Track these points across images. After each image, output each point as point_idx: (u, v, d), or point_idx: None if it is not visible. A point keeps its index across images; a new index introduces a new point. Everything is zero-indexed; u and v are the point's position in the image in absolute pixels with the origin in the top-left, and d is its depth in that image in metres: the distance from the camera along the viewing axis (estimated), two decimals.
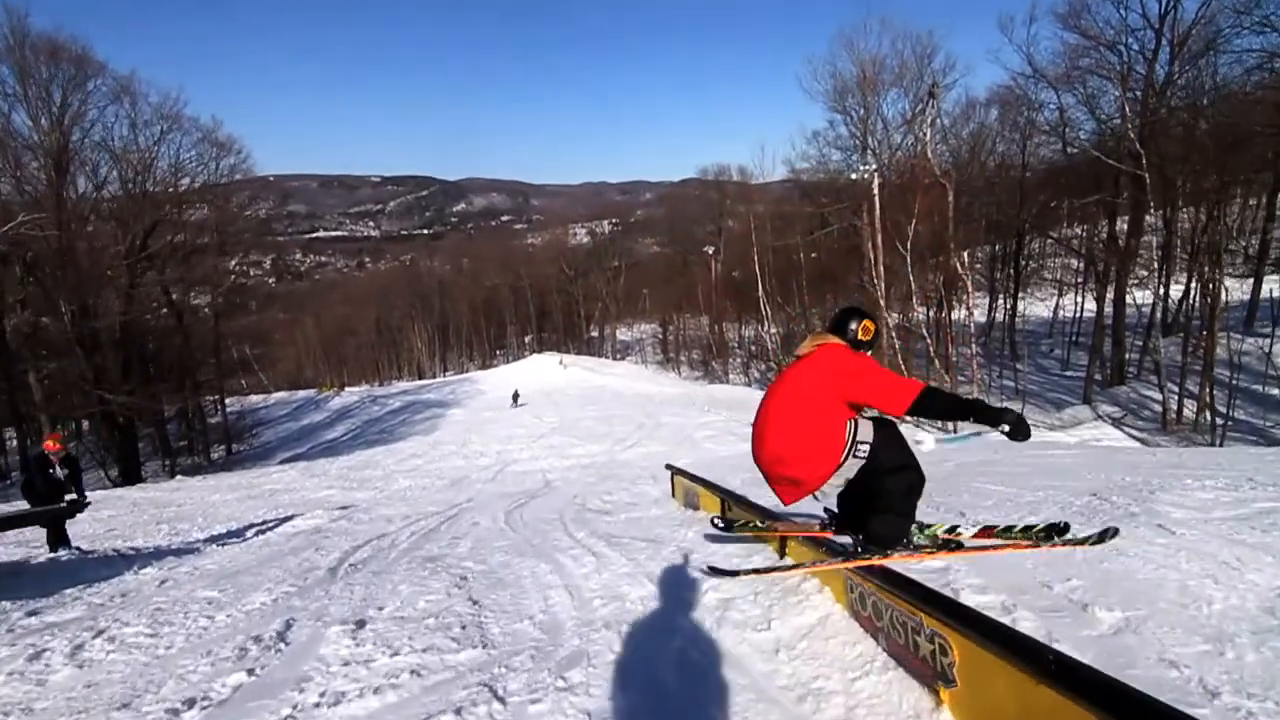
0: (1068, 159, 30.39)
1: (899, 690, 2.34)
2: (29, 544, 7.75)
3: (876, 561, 2.91)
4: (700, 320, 53.71)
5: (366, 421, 38.23)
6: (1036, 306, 35.64)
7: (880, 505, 3.02)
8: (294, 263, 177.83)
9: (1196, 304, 25.17)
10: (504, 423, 28.80)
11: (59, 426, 24.72)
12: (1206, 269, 23.07)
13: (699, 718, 2.40)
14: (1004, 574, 3.53)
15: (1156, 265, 24.89)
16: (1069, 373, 29.01)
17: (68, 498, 7.43)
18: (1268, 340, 22.15)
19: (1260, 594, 2.80)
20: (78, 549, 7.33)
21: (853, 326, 3.11)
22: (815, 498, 3.07)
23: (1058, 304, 35.51)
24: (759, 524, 4.14)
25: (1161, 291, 24.69)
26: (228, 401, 37.78)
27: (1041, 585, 3.32)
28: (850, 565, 2.90)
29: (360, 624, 3.62)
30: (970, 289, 27.76)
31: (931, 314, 31.09)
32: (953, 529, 3.50)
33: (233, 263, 36.17)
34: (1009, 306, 34.76)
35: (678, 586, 3.75)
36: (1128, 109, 23.77)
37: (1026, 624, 2.90)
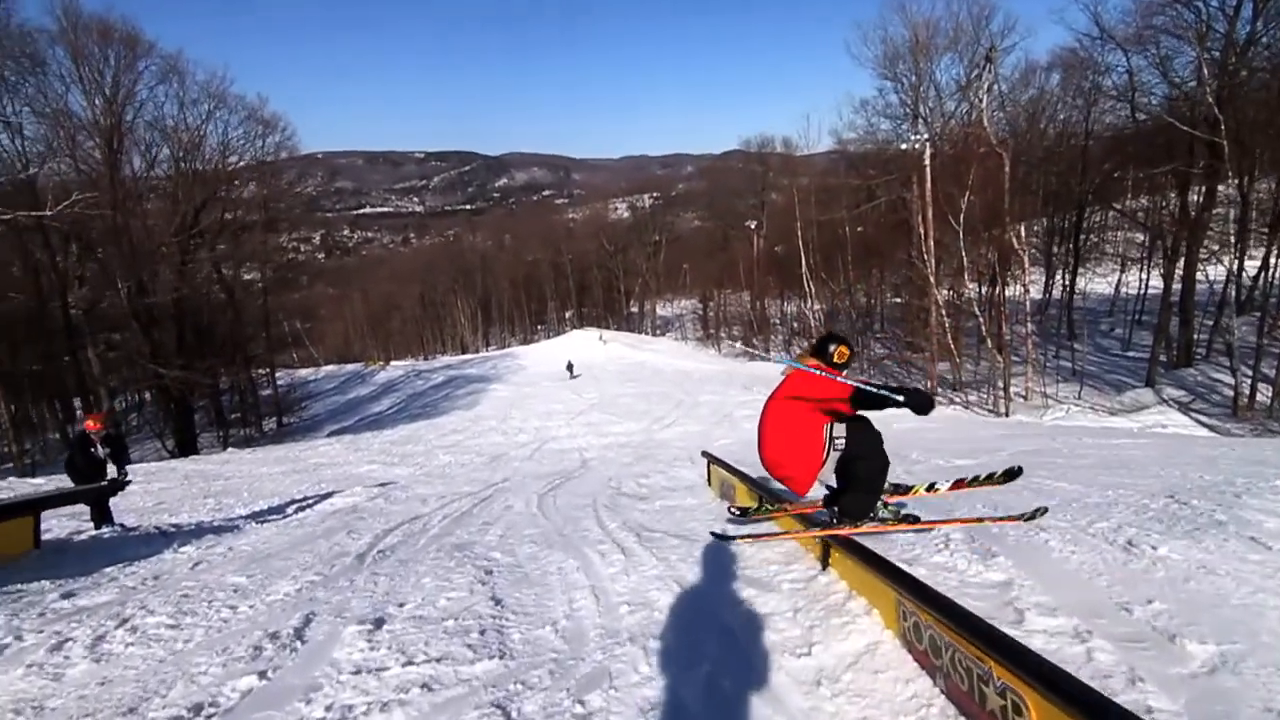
0: (1136, 126, 28.47)
1: None
2: (80, 517, 7.93)
3: (846, 531, 3.61)
4: (741, 296, 52.80)
5: (410, 396, 38.84)
6: (1097, 283, 33.83)
7: (851, 486, 3.72)
8: (342, 238, 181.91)
9: (1275, 280, 23.48)
10: (544, 399, 28.88)
11: (117, 400, 25.75)
12: None
13: None
14: (1075, 591, 3.19)
15: (1233, 239, 23.26)
16: (1130, 353, 27.53)
17: (110, 475, 7.57)
18: None
19: None
20: (121, 525, 7.47)
21: (831, 349, 3.77)
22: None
23: (1119, 280, 33.66)
24: (769, 506, 4.70)
25: (1236, 267, 23.11)
26: (278, 375, 38.70)
27: (1119, 608, 2.98)
28: (826, 533, 3.62)
29: (378, 623, 3.49)
30: (1026, 264, 26.45)
31: (984, 291, 29.85)
32: (931, 486, 4.22)
33: (284, 239, 36.86)
34: (1067, 283, 33.11)
35: (709, 596, 3.51)
36: (1205, 70, 21.98)
37: (1105, 656, 2.57)
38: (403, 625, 3.46)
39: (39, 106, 23.01)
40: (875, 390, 3.36)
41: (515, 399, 30.06)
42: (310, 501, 9.53)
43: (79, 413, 27.01)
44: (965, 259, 26.23)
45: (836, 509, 3.81)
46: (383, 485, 11.06)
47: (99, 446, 7.48)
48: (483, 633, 3.27)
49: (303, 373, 52.17)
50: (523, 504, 7.79)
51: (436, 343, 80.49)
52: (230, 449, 24.61)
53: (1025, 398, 23.92)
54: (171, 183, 27.77)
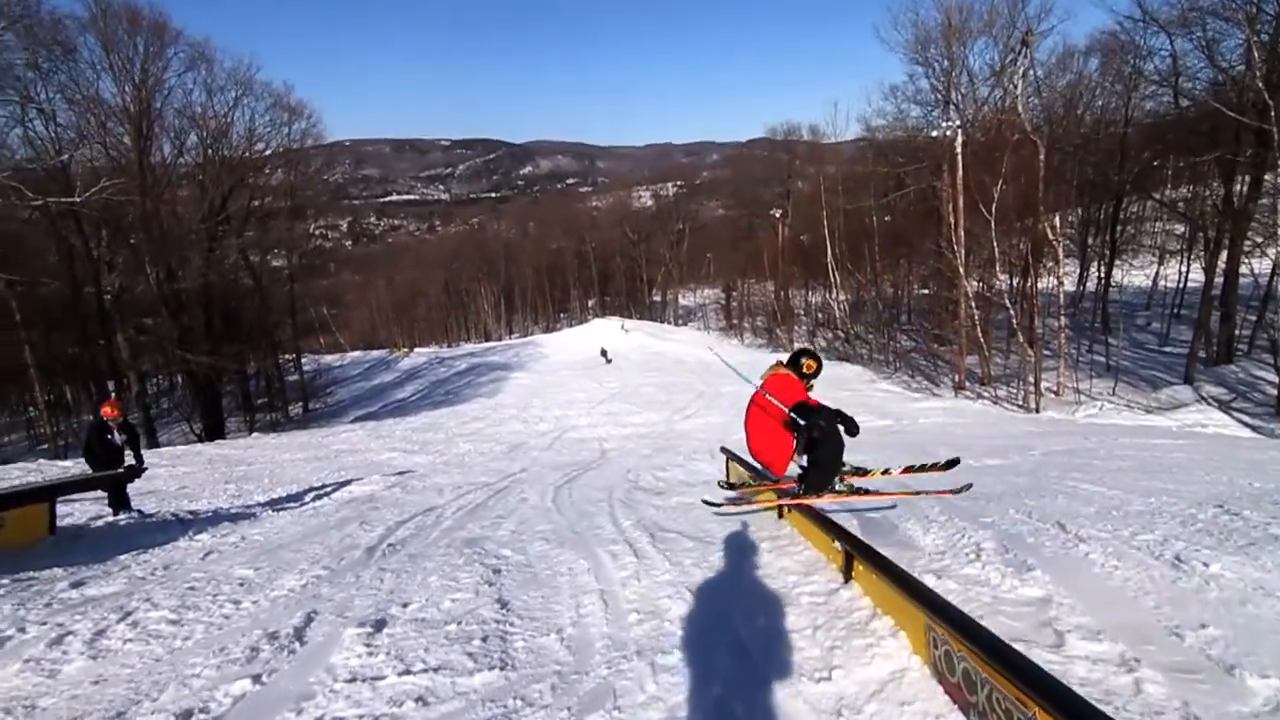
0: (1178, 112, 27.33)
1: None
2: (102, 501, 7.96)
3: (808, 500, 4.49)
4: (765, 286, 52.09)
5: (434, 383, 39.04)
6: (1133, 275, 32.71)
7: (813, 464, 4.60)
8: (369, 225, 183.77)
9: None
10: (565, 387, 28.81)
11: (148, 384, 26.14)
12: None
13: None
14: (1119, 612, 2.95)
15: (1279, 231, 22.25)
16: (1168, 349, 26.58)
17: (128, 461, 7.59)
18: None
19: None
20: (138, 511, 7.49)
21: (802, 362, 4.71)
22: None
23: (1158, 273, 32.47)
24: (750, 481, 5.68)
25: None
26: (304, 360, 39.12)
27: (1169, 632, 2.74)
28: (792, 502, 4.53)
29: (379, 625, 3.37)
30: (1060, 255, 25.60)
31: (1015, 282, 29.03)
32: (885, 470, 5.25)
33: (311, 226, 37.07)
34: (1102, 275, 32.05)
35: (723, 607, 3.33)
36: (1254, 54, 20.96)
37: (1155, 689, 2.35)
38: (404, 628, 3.34)
39: (70, 93, 23.33)
40: (801, 414, 4.37)
41: (537, 387, 30.04)
42: (328, 489, 9.52)
43: (111, 395, 27.62)
44: (996, 249, 25.51)
45: (803, 485, 4.65)
46: (401, 474, 11.04)
47: (116, 433, 7.50)
48: (485, 639, 3.13)
49: (328, 359, 52.75)
50: (538, 497, 7.68)
51: (460, 330, 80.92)
52: (255, 434, 24.93)
53: (1057, 393, 23.27)
54: (200, 169, 28.08)
